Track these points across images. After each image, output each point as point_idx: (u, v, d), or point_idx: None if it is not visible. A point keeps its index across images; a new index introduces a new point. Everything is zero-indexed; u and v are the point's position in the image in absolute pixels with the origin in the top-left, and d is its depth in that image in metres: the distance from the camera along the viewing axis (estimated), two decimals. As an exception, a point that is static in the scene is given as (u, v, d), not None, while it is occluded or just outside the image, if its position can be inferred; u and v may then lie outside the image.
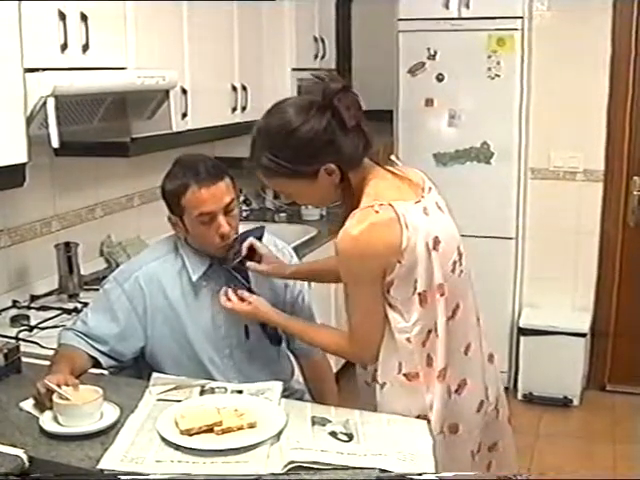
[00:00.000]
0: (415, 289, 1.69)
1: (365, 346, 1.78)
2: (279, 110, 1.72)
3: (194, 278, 2.08)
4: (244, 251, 2.04)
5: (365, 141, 1.72)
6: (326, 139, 1.67)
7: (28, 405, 1.80)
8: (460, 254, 1.81)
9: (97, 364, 2.05)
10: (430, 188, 1.81)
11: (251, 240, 2.06)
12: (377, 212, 1.65)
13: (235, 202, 2.05)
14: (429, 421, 1.74)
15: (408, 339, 1.72)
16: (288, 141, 1.68)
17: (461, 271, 1.81)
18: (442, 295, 1.73)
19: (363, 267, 1.68)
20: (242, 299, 1.96)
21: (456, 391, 1.81)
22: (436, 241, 1.70)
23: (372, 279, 1.69)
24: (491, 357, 1.95)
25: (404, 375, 1.75)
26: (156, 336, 2.09)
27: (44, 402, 1.75)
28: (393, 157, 1.88)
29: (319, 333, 1.94)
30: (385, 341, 1.75)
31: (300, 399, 2.14)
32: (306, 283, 2.30)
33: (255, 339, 2.13)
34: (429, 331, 1.74)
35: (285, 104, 1.72)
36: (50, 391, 1.73)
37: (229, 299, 1.96)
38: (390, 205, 1.66)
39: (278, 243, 2.28)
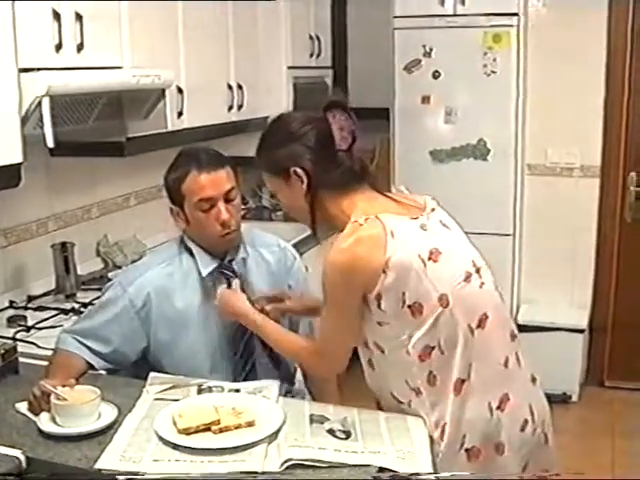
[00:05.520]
0: (404, 302, 1.65)
1: (326, 360, 1.79)
2: (284, 113, 1.86)
3: (204, 273, 2.08)
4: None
5: (351, 169, 1.75)
6: (306, 143, 1.73)
7: (23, 407, 1.80)
8: (477, 267, 1.77)
9: (94, 367, 2.04)
10: (433, 209, 1.79)
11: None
12: (362, 225, 1.65)
13: (236, 191, 2.07)
14: (440, 439, 1.70)
15: (407, 352, 1.69)
16: (275, 135, 1.80)
17: (482, 283, 1.77)
18: (445, 306, 1.67)
19: (346, 281, 1.66)
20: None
21: (498, 407, 1.73)
22: (433, 252, 1.68)
23: (352, 296, 1.67)
24: (534, 379, 1.87)
25: (413, 390, 1.73)
26: (159, 338, 2.08)
27: (40, 405, 1.74)
28: (402, 187, 1.89)
29: (285, 337, 1.93)
30: (390, 361, 1.74)
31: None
32: (308, 281, 2.29)
33: (261, 341, 2.11)
34: (430, 347, 1.69)
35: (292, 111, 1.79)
36: (46, 394, 1.73)
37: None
38: (377, 218, 1.66)
39: (281, 243, 2.29)
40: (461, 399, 1.71)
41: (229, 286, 2.09)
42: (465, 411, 1.71)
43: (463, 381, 1.71)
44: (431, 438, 1.69)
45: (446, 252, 1.70)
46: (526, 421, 1.79)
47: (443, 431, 1.71)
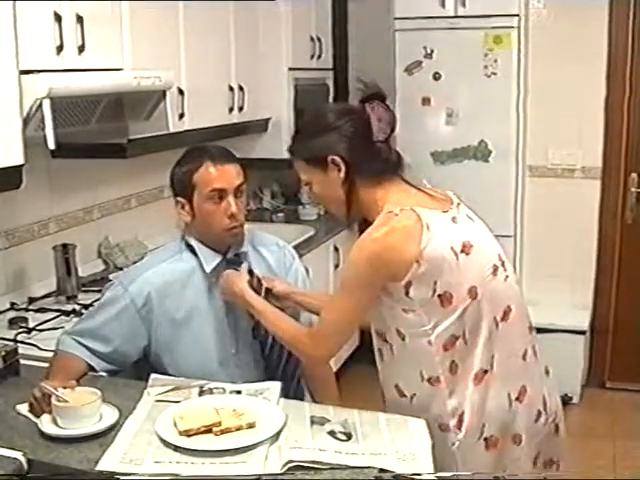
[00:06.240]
0: (435, 291, 1.68)
1: (321, 344, 1.80)
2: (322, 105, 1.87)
3: (208, 269, 2.08)
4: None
5: (388, 160, 1.79)
6: (345, 132, 1.75)
7: (24, 409, 1.79)
8: (502, 260, 1.82)
9: (94, 369, 2.04)
10: (459, 204, 1.83)
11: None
12: (397, 215, 1.67)
13: (244, 188, 2.08)
14: (457, 428, 1.74)
15: (429, 342, 1.72)
16: (313, 125, 1.83)
17: (507, 276, 1.82)
18: (474, 298, 1.71)
19: (372, 271, 1.68)
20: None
21: (517, 399, 1.78)
22: (466, 245, 1.71)
23: (374, 286, 1.70)
24: (547, 371, 1.92)
25: (427, 381, 1.75)
26: (161, 337, 2.08)
27: (41, 407, 1.74)
28: (424, 181, 1.91)
29: (282, 320, 1.93)
30: (405, 351, 1.76)
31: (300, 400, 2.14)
32: (307, 281, 2.30)
33: (270, 336, 2.12)
34: (455, 337, 1.72)
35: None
36: (47, 395, 1.73)
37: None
38: (412, 210, 1.69)
39: (280, 243, 2.29)
40: (482, 389, 1.75)
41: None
42: (486, 401, 1.75)
43: (485, 372, 1.75)
44: (441, 427, 1.73)
45: (477, 245, 1.74)
46: (539, 412, 1.83)
47: (461, 420, 1.74)
